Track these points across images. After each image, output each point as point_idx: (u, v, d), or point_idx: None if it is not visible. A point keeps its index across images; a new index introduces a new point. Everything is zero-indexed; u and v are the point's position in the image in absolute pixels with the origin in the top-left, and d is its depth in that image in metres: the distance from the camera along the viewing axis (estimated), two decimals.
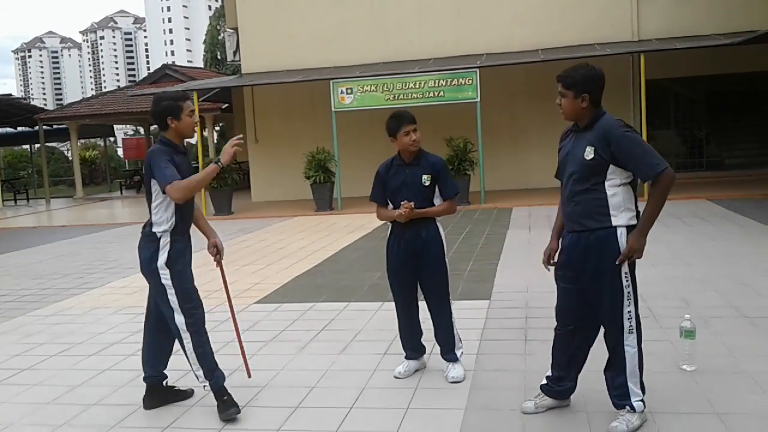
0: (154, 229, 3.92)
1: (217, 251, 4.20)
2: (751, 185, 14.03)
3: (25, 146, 32.06)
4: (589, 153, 3.37)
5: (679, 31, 15.21)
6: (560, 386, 3.70)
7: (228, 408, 3.89)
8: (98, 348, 5.48)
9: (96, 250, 11.26)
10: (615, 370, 3.49)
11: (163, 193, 3.78)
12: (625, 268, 3.40)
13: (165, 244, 3.90)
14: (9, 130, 26.68)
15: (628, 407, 3.44)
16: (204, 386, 3.95)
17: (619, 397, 3.47)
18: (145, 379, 4.15)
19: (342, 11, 17.04)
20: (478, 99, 13.97)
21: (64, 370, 4.97)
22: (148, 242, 3.94)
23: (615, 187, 3.38)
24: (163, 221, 3.90)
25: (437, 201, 4.28)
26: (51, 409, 4.23)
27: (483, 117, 14.09)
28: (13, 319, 6.69)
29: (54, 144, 34.69)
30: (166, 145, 3.88)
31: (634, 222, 3.40)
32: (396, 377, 4.37)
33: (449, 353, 4.34)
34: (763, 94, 16.00)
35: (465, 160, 14.21)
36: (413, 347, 4.46)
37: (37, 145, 27.76)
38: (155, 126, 4.08)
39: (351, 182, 16.18)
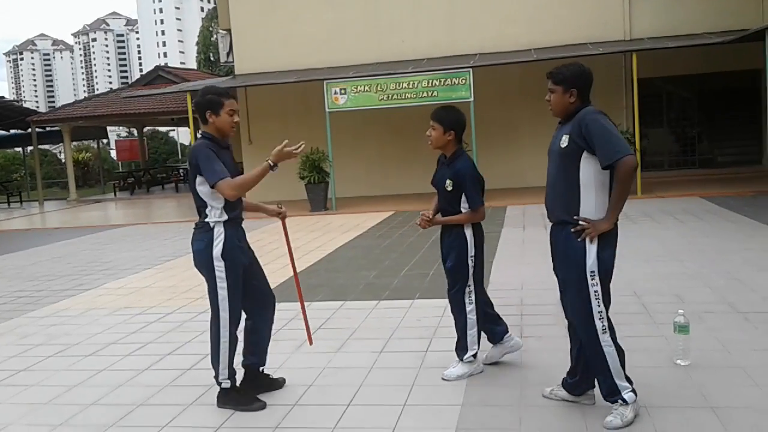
0: (207, 220, 3.89)
1: (280, 208, 4.26)
2: (742, 182, 14.12)
3: (17, 149, 31.90)
4: (564, 141, 3.45)
5: (671, 30, 15.29)
6: (571, 379, 3.72)
7: (252, 402, 3.99)
8: (95, 349, 5.48)
9: (91, 251, 11.24)
10: (600, 372, 3.51)
11: (212, 187, 3.76)
12: (592, 267, 3.40)
13: (219, 234, 3.87)
14: (1, 132, 26.54)
15: (620, 401, 3.47)
16: (220, 383, 3.99)
17: (610, 394, 3.51)
18: (245, 365, 4.16)
19: (335, 12, 17.06)
20: (472, 98, 14.01)
21: (60, 371, 4.97)
22: (201, 233, 3.91)
23: (589, 186, 3.40)
24: (215, 212, 3.87)
25: (466, 206, 4.18)
26: (49, 409, 4.24)
27: (477, 116, 14.13)
28: (9, 320, 6.69)
29: (47, 146, 34.52)
30: (209, 140, 3.87)
31: None
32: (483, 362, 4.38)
33: (457, 351, 4.31)
34: (754, 92, 16.09)
35: None
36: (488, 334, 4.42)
37: (29, 148, 27.63)
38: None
39: (345, 182, 16.22)
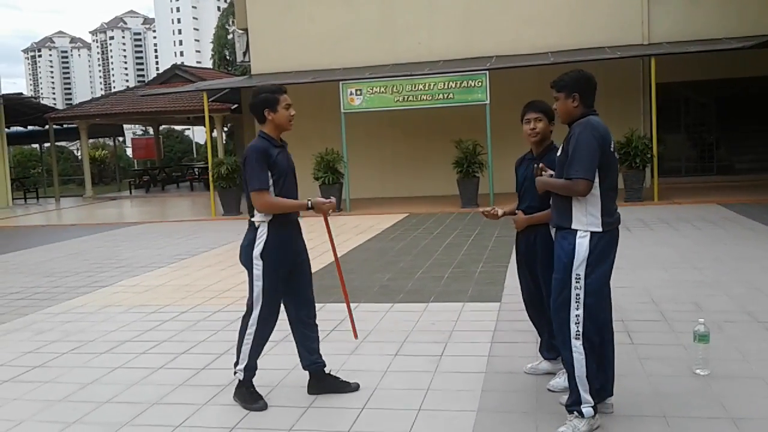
0: (253, 219, 3.99)
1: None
2: (761, 190, 13.96)
3: (35, 145, 32.20)
4: (560, 150, 3.57)
5: (690, 35, 15.16)
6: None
7: (255, 401, 4.02)
8: (109, 346, 5.49)
9: (106, 248, 11.30)
10: (567, 371, 3.51)
11: (248, 194, 3.89)
12: (578, 271, 3.40)
13: (262, 234, 3.94)
14: (19, 129, 26.80)
15: (576, 412, 3.44)
16: (235, 373, 4.07)
17: (570, 402, 3.49)
18: (304, 367, 4.24)
19: (352, 12, 17.06)
20: (488, 101, 13.95)
21: (75, 368, 4.98)
22: (248, 231, 4.02)
23: None
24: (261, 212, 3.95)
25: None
26: (63, 406, 4.24)
27: (492, 119, 14.07)
28: (25, 316, 6.72)
29: (64, 143, 34.82)
30: (264, 140, 3.95)
31: (598, 229, 3.40)
32: (525, 372, 4.34)
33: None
34: None
35: (474, 163, 14.21)
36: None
37: (47, 144, 27.88)
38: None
39: (360, 183, 16.21)
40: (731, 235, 9.33)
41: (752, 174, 16.18)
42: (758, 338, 4.82)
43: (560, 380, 4.03)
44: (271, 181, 3.92)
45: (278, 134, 4.02)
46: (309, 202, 3.97)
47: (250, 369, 4.06)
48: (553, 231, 3.75)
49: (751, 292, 6.13)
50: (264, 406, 4.01)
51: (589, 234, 3.40)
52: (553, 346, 4.16)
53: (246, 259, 3.99)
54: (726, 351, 4.53)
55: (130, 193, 25.33)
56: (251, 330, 4.00)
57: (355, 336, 4.68)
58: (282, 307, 4.13)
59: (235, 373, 4.08)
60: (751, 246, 8.43)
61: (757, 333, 4.95)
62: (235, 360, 4.08)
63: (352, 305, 6.37)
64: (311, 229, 11.53)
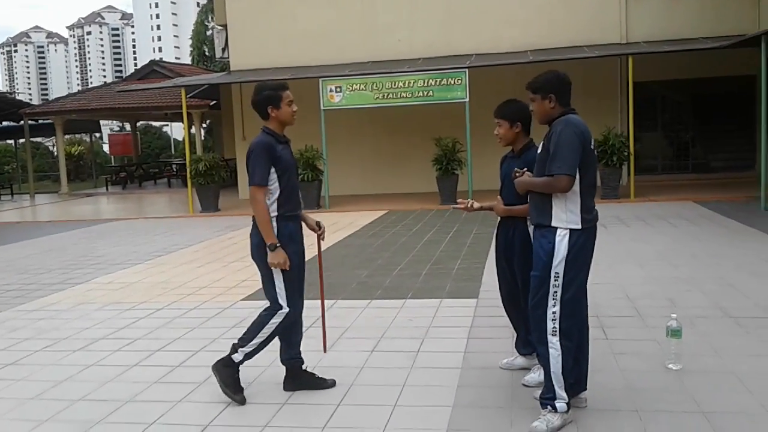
0: None
1: (319, 227, 4.35)
2: (736, 187, 14.14)
3: (9, 141, 31.69)
4: (540, 148, 3.58)
5: (667, 35, 15.30)
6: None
7: (237, 392, 4.00)
8: (83, 343, 5.43)
9: (81, 245, 11.16)
10: (543, 367, 3.55)
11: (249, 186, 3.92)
12: (557, 269, 3.43)
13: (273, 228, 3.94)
14: None
15: (550, 407, 3.48)
16: (235, 351, 4.00)
17: (544, 397, 3.52)
18: (282, 361, 4.21)
19: (332, 9, 17.01)
20: (467, 99, 13.99)
21: (48, 366, 4.92)
22: (256, 227, 3.99)
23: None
24: (270, 207, 3.95)
25: None
26: (35, 404, 4.19)
27: (472, 117, 14.11)
28: None
29: (39, 139, 34.33)
30: (269, 135, 3.97)
31: (578, 227, 3.43)
32: (500, 367, 4.36)
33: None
34: (749, 98, 16.14)
35: (453, 160, 14.24)
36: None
37: (22, 140, 27.47)
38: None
39: (339, 180, 16.18)
40: (706, 232, 9.44)
41: (727, 172, 16.38)
42: (730, 333, 4.89)
43: (535, 375, 4.05)
44: (276, 176, 3.94)
45: (282, 130, 4.05)
46: (275, 245, 3.89)
47: (251, 356, 4.01)
48: (531, 228, 3.77)
49: (725, 288, 6.21)
50: (243, 401, 3.99)
51: (568, 231, 3.42)
52: (529, 342, 4.18)
53: (261, 256, 3.97)
54: (699, 346, 4.59)
55: (107, 189, 25.05)
56: (276, 321, 3.97)
57: (325, 350, 4.78)
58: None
59: (235, 350, 4.00)
60: (726, 243, 8.54)
61: (729, 328, 5.01)
62: (240, 343, 4.00)
63: (329, 302, 6.39)
64: None
